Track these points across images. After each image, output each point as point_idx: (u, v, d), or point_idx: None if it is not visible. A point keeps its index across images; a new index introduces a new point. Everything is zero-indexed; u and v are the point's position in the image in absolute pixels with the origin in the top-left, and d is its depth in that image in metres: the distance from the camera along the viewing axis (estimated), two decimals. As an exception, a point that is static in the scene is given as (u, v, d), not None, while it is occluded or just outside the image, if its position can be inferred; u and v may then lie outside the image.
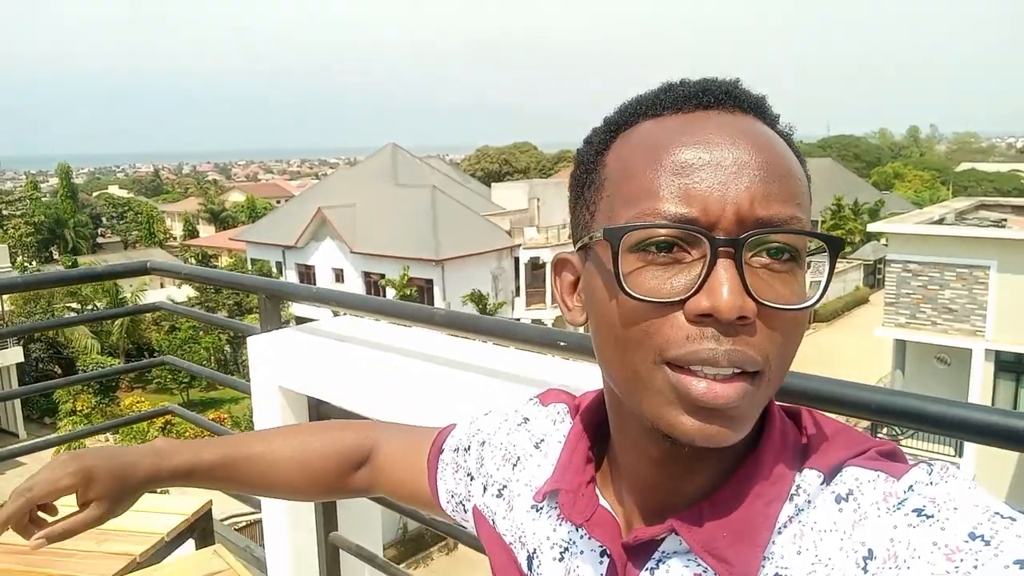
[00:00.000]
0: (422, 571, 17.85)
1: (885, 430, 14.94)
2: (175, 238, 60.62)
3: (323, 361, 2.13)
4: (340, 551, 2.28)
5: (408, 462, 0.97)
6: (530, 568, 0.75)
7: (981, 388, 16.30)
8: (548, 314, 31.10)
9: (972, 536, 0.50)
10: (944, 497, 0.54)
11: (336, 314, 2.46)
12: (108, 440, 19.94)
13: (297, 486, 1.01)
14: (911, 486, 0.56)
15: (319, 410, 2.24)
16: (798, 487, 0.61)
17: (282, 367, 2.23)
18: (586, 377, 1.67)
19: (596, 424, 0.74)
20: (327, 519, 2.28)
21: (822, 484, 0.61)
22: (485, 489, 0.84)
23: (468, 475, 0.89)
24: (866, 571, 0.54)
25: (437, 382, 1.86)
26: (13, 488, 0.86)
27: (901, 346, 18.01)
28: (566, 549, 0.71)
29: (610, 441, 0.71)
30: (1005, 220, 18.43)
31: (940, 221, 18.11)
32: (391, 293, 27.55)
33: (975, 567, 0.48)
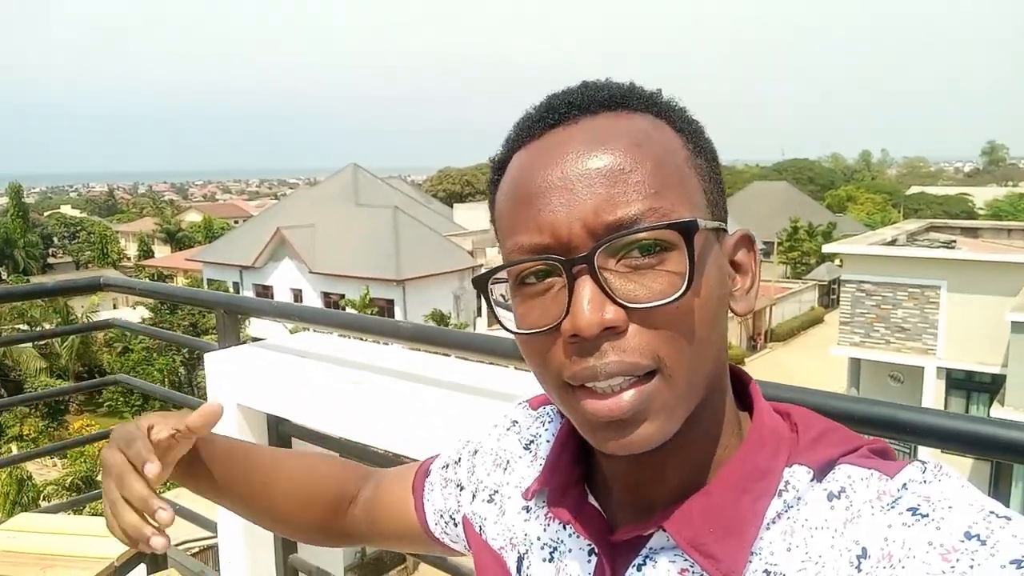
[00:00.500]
0: (382, 596, 17.55)
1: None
2: (129, 258, 59.38)
3: (283, 378, 2.08)
4: (300, 574, 2.21)
5: (395, 492, 0.95)
6: (519, 570, 0.74)
7: (933, 404, 16.64)
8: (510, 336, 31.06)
9: (968, 536, 0.50)
10: (938, 496, 0.54)
11: (294, 331, 2.41)
12: (54, 464, 19.36)
13: (296, 501, 0.94)
14: (905, 484, 0.56)
15: (279, 428, 2.18)
16: (787, 483, 0.61)
17: (240, 384, 2.17)
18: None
19: None
20: (286, 542, 2.21)
21: (812, 481, 0.60)
22: (475, 496, 0.84)
23: (458, 486, 0.87)
24: (860, 570, 0.53)
25: (402, 398, 1.82)
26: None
27: (856, 364, 18.32)
28: (555, 548, 0.71)
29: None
30: (954, 241, 18.94)
31: (893, 242, 18.55)
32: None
33: (971, 567, 0.48)
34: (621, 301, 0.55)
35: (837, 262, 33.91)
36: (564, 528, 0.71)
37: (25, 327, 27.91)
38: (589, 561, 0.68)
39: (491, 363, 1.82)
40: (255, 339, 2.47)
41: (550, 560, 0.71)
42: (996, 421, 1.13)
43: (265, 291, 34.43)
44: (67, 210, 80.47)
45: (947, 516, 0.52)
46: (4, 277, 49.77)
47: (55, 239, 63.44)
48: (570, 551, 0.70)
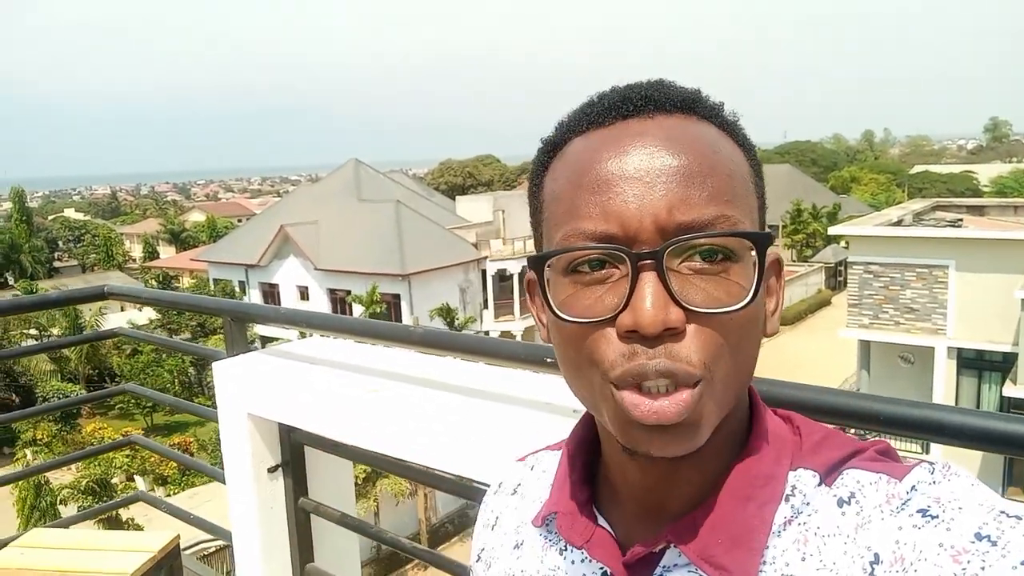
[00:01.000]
0: (397, 591, 17.62)
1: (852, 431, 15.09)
2: (134, 260, 59.54)
3: (294, 385, 2.04)
4: (317, 584, 2.18)
5: None
6: None
7: (944, 385, 16.59)
8: (517, 326, 31.04)
9: (978, 537, 0.50)
10: (948, 496, 0.54)
11: (303, 335, 2.38)
12: (68, 467, 19.44)
13: None
14: (914, 486, 0.56)
15: (291, 437, 2.15)
16: (793, 487, 0.61)
17: (250, 393, 2.14)
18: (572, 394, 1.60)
19: (589, 441, 0.73)
20: (303, 551, 2.19)
21: (819, 485, 0.60)
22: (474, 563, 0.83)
23: None
24: (874, 575, 0.53)
25: (415, 404, 1.78)
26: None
27: (865, 347, 18.27)
28: None
29: (603, 457, 0.70)
30: (961, 220, 18.85)
31: (899, 223, 18.45)
32: (358, 309, 27.24)
33: (982, 568, 0.48)
34: (684, 303, 0.55)
35: (843, 244, 33.79)
36: (563, 556, 0.70)
37: (34, 332, 28.02)
38: None
39: (511, 367, 1.78)
40: (263, 338, 2.43)
41: None
42: (1003, 416, 1.10)
43: (271, 289, 34.47)
44: (71, 213, 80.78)
45: (957, 517, 0.51)
46: (11, 282, 49.93)
47: (60, 243, 63.70)
48: None
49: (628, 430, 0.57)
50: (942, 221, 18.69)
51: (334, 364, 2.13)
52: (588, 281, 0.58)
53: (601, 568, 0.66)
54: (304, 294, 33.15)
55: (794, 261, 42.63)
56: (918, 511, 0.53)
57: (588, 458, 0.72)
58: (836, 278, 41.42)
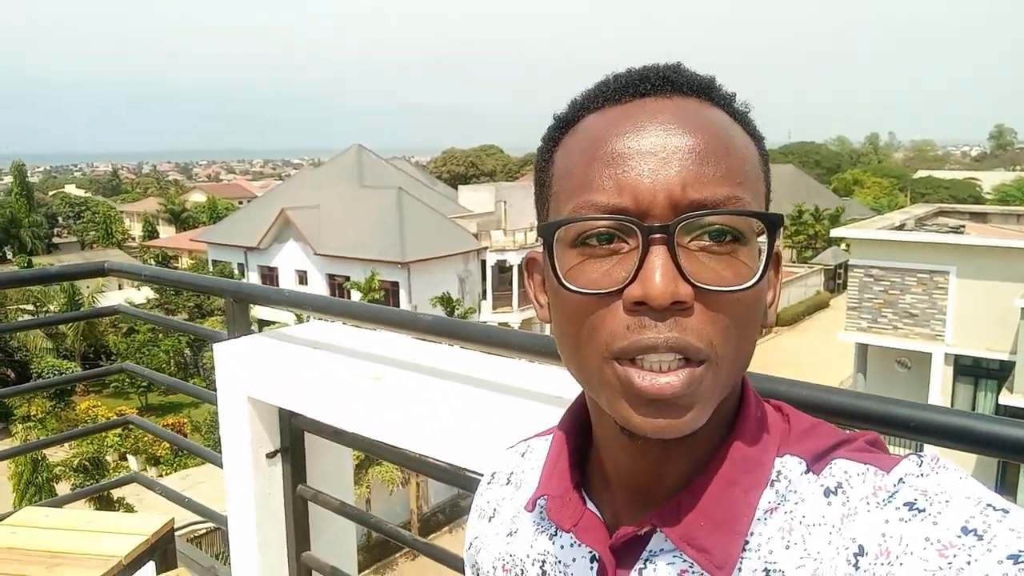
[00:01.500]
0: (387, 578, 17.64)
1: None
2: (134, 238, 59.37)
3: (296, 370, 2.00)
4: (313, 573, 2.15)
5: None
6: None
7: (941, 391, 16.57)
8: (515, 317, 30.99)
9: (965, 531, 0.50)
10: (935, 489, 0.53)
11: (299, 319, 2.33)
12: (61, 444, 19.42)
13: None
14: (901, 479, 0.56)
15: (291, 422, 2.11)
16: (779, 473, 0.61)
17: (251, 376, 2.10)
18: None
19: (580, 425, 0.73)
20: (299, 539, 2.15)
21: (805, 472, 0.60)
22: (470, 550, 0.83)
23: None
24: (858, 568, 0.53)
25: (419, 392, 1.74)
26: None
27: (863, 350, 18.24)
28: (544, 562, 0.70)
29: (593, 441, 0.70)
30: (963, 226, 18.78)
31: (901, 227, 18.40)
32: (357, 296, 27.14)
33: (968, 563, 0.48)
34: (692, 280, 0.55)
35: (843, 246, 33.74)
36: (552, 541, 0.70)
37: (30, 307, 27.93)
38: (591, 568, 0.66)
39: (519, 358, 1.74)
40: (261, 321, 2.38)
41: (542, 573, 0.70)
42: (997, 419, 1.07)
43: (270, 273, 34.40)
44: (71, 190, 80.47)
45: (944, 511, 0.51)
46: (9, 257, 49.82)
47: (60, 219, 63.43)
48: (573, 560, 0.68)
49: (627, 406, 0.56)
50: (944, 227, 18.63)
51: (336, 349, 2.09)
52: (596, 254, 0.58)
53: (590, 552, 0.67)
54: (303, 278, 33.06)
55: (794, 262, 42.58)
56: (905, 504, 0.53)
57: (579, 443, 0.72)
58: (835, 280, 41.39)
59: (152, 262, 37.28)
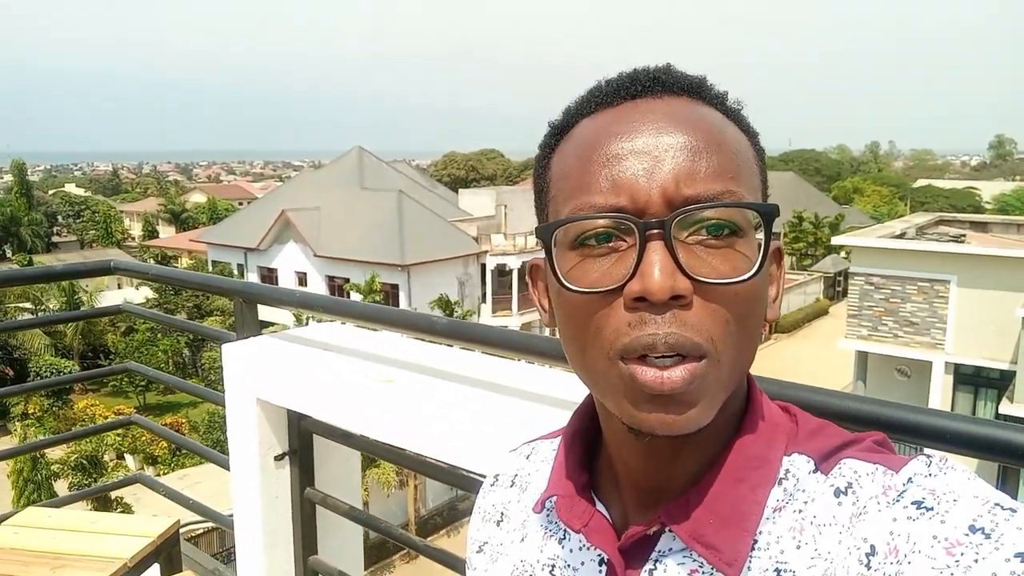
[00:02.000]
0: (384, 581, 17.58)
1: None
2: (133, 238, 59.31)
3: (306, 372, 1.98)
4: (320, 576, 2.12)
5: None
6: None
7: (940, 400, 16.56)
8: (514, 321, 30.96)
9: (972, 529, 0.50)
10: (944, 489, 0.54)
11: (299, 320, 2.31)
12: (62, 447, 19.36)
13: None
14: (910, 478, 0.56)
15: (300, 425, 2.09)
16: (787, 471, 0.61)
17: (260, 377, 2.07)
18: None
19: (588, 426, 0.73)
20: (306, 543, 2.12)
21: (814, 471, 0.60)
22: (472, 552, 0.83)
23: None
24: (870, 567, 0.53)
25: (430, 395, 1.72)
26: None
27: (863, 358, 18.22)
28: (554, 565, 0.70)
29: (602, 442, 0.70)
30: (964, 236, 18.80)
31: (902, 236, 18.39)
32: (356, 298, 27.14)
33: (976, 561, 0.48)
34: (690, 274, 0.55)
35: (843, 254, 33.73)
36: (561, 545, 0.70)
37: (30, 306, 27.86)
38: (600, 572, 0.66)
39: (531, 362, 1.72)
40: (263, 323, 2.36)
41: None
42: (999, 423, 1.06)
43: (270, 274, 34.37)
44: (71, 189, 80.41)
45: (952, 509, 0.51)
46: (9, 255, 49.74)
47: (59, 218, 63.35)
48: (582, 564, 0.68)
49: (633, 404, 0.57)
50: (945, 236, 18.64)
51: (348, 351, 2.06)
52: (596, 254, 0.58)
53: (598, 555, 0.67)
54: (302, 280, 33.04)
55: (793, 269, 42.58)
56: (913, 503, 0.53)
57: (587, 444, 0.72)
58: (835, 288, 41.40)
59: (152, 261, 37.22)
